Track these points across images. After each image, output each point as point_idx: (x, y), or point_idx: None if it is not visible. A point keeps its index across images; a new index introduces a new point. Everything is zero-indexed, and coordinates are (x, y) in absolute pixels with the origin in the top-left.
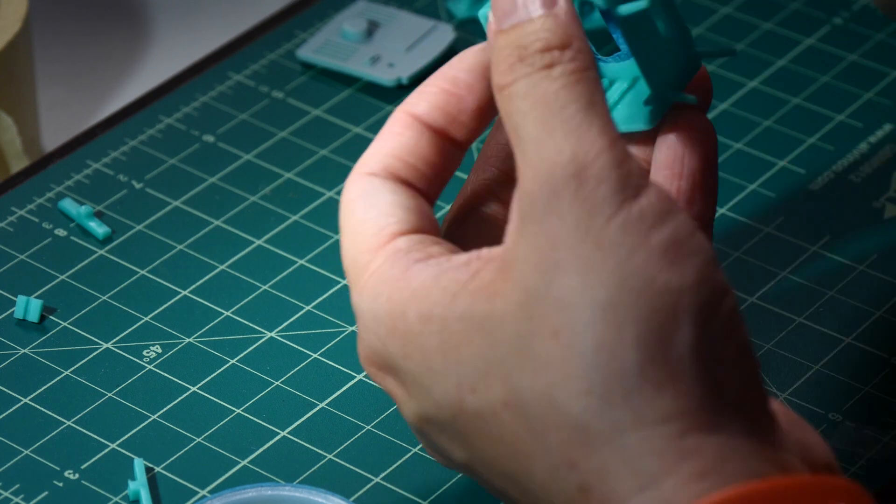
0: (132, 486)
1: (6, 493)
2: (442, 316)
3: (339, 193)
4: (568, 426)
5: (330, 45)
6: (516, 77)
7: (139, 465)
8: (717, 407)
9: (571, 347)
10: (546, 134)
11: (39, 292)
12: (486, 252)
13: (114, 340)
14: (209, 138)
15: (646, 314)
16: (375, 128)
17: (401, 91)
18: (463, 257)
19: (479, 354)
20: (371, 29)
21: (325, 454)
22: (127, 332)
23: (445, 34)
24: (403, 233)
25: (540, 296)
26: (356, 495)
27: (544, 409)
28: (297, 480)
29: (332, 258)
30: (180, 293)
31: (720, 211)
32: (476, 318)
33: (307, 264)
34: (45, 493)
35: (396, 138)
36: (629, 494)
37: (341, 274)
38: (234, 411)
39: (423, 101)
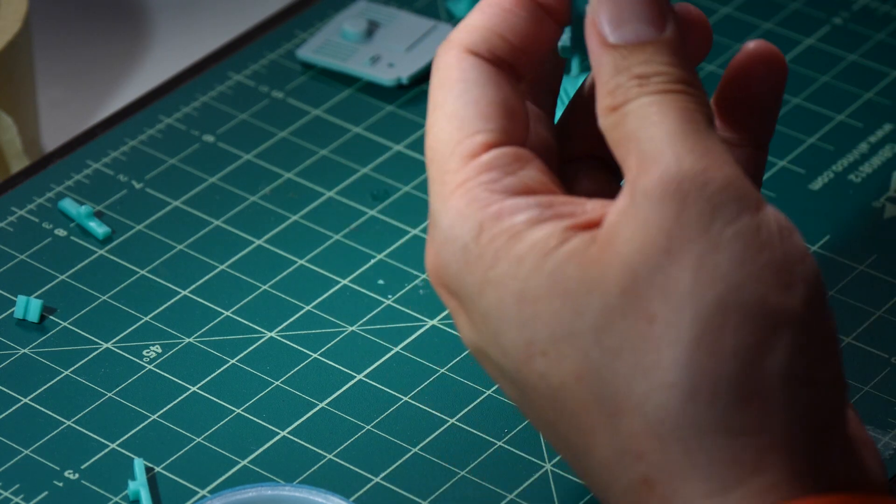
0: (132, 486)
1: (6, 493)
2: (529, 267)
3: (339, 193)
4: (643, 415)
5: (330, 45)
6: (633, 97)
7: (139, 464)
8: (799, 430)
9: (666, 338)
10: (675, 135)
11: (39, 292)
12: (583, 215)
13: (114, 340)
14: (209, 138)
15: (750, 328)
16: (375, 128)
17: (401, 91)
18: (561, 205)
19: (558, 318)
20: (371, 29)
21: (325, 454)
22: (127, 331)
23: (445, 34)
24: (498, 144)
25: (642, 278)
26: (356, 495)
27: (621, 391)
28: (297, 480)
29: (332, 258)
30: (180, 293)
31: None
32: (564, 281)
33: (307, 264)
34: (45, 493)
35: (508, 17)
36: (694, 498)
37: (341, 274)
38: (234, 411)
39: None
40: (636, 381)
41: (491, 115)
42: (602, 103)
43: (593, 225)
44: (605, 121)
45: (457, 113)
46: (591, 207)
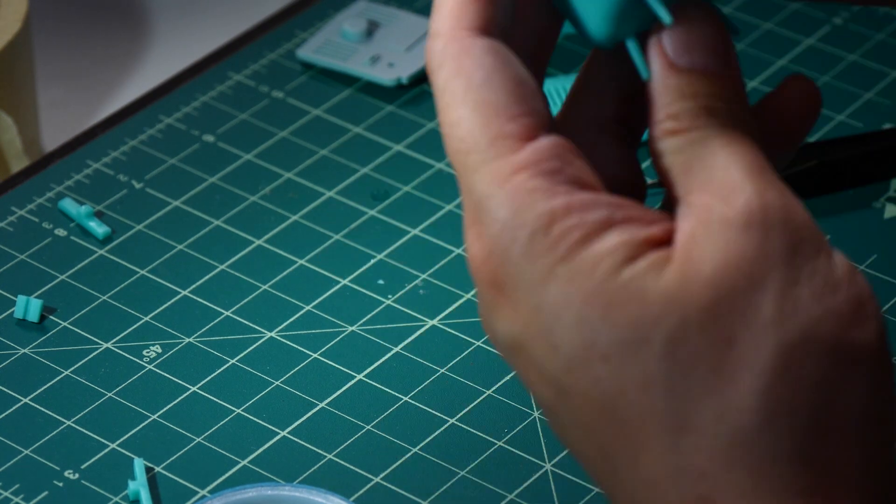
0: (132, 485)
1: (6, 493)
2: (606, 270)
3: (339, 193)
4: (713, 436)
5: (330, 45)
6: (703, 125)
7: (139, 464)
8: (872, 468)
9: (746, 363)
10: (753, 169)
11: (39, 292)
12: (652, 225)
13: (114, 340)
14: (209, 138)
15: (830, 362)
16: (375, 128)
17: (400, 91)
18: (629, 207)
19: (630, 325)
20: (371, 29)
21: (325, 454)
22: (127, 331)
23: None
24: (543, 127)
25: (724, 300)
26: (356, 495)
27: (689, 408)
28: (297, 480)
29: (332, 258)
30: (180, 293)
31: None
32: (641, 290)
33: (307, 264)
34: (45, 492)
35: None
36: None
37: (341, 274)
38: (234, 411)
39: None
40: (709, 400)
41: (525, 96)
42: (662, 126)
43: (665, 241)
44: (664, 143)
45: (486, 100)
46: (657, 216)
